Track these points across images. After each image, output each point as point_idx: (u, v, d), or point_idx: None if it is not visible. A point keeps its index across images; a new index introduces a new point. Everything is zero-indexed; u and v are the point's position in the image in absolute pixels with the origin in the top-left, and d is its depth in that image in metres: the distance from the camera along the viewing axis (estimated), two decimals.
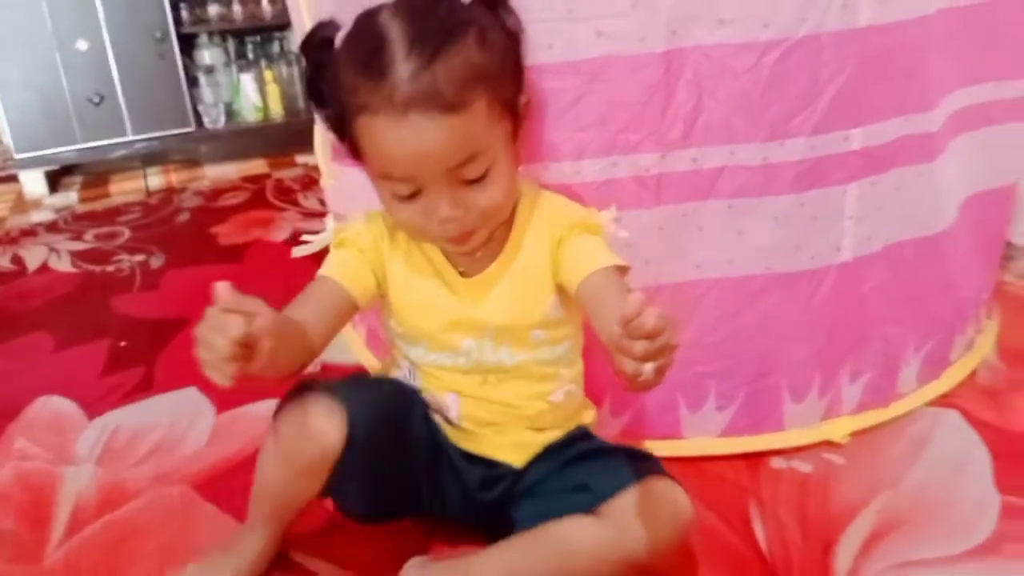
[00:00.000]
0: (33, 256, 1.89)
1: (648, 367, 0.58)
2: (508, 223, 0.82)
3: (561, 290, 0.82)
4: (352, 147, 0.77)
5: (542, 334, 0.83)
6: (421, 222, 0.76)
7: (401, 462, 0.84)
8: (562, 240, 0.80)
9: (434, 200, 0.73)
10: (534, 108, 0.82)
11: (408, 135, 0.69)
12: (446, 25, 0.71)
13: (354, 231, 0.85)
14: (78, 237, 2.00)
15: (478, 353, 0.83)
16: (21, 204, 2.36)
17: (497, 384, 0.85)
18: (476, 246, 0.79)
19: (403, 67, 0.68)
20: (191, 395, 1.24)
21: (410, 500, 0.88)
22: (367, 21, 0.73)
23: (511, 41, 0.77)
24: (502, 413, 0.86)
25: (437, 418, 0.88)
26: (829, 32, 0.85)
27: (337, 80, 0.73)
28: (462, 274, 0.83)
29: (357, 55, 0.72)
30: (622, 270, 0.79)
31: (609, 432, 0.99)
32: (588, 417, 0.93)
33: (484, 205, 0.75)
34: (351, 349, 1.33)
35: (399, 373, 0.91)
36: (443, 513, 0.90)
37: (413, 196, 0.74)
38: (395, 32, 0.70)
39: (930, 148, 0.98)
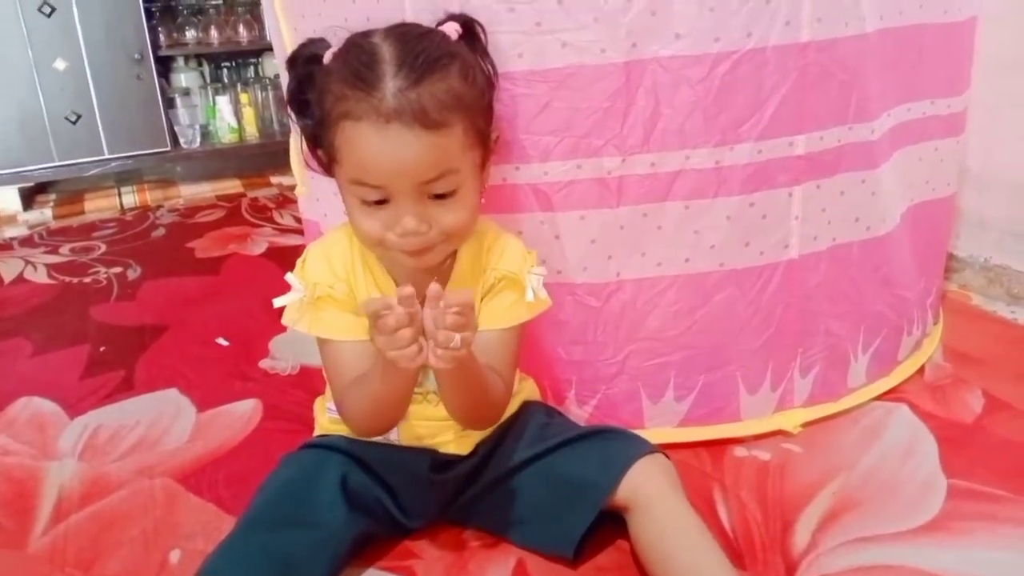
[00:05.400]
0: (8, 268, 1.90)
1: (456, 337, 0.68)
2: (454, 257, 0.86)
3: None
4: (327, 154, 0.80)
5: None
6: (382, 232, 0.78)
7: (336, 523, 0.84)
8: (492, 288, 0.86)
9: (400, 211, 0.76)
10: (502, 145, 0.87)
11: (388, 144, 0.74)
12: (434, 54, 0.76)
13: (326, 285, 0.84)
14: (54, 251, 2.02)
15: (421, 376, 0.85)
16: None
17: (437, 402, 0.88)
18: (430, 264, 0.81)
19: (392, 83, 0.73)
20: (172, 395, 1.27)
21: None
22: (360, 40, 0.78)
23: (486, 81, 0.83)
24: (438, 427, 0.90)
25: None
26: (773, 46, 0.92)
27: (325, 88, 0.78)
28: None
29: (349, 66, 0.76)
30: (537, 304, 0.86)
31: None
32: (526, 391, 0.97)
33: (447, 224, 0.78)
34: None
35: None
36: (413, 520, 0.91)
37: (380, 204, 0.77)
38: (386, 52, 0.75)
39: (873, 156, 1.06)
